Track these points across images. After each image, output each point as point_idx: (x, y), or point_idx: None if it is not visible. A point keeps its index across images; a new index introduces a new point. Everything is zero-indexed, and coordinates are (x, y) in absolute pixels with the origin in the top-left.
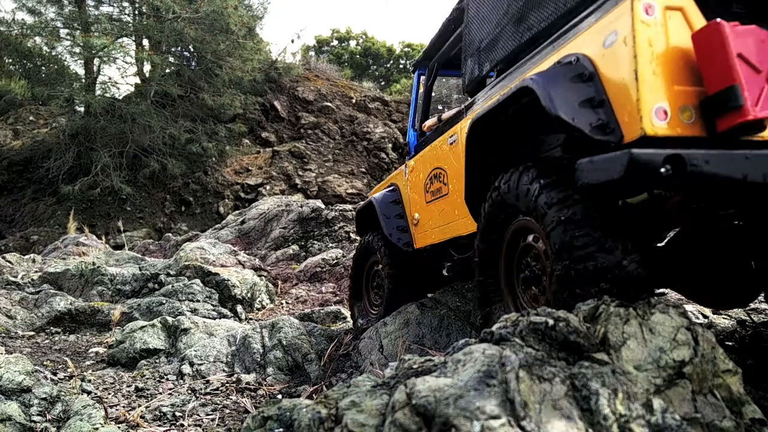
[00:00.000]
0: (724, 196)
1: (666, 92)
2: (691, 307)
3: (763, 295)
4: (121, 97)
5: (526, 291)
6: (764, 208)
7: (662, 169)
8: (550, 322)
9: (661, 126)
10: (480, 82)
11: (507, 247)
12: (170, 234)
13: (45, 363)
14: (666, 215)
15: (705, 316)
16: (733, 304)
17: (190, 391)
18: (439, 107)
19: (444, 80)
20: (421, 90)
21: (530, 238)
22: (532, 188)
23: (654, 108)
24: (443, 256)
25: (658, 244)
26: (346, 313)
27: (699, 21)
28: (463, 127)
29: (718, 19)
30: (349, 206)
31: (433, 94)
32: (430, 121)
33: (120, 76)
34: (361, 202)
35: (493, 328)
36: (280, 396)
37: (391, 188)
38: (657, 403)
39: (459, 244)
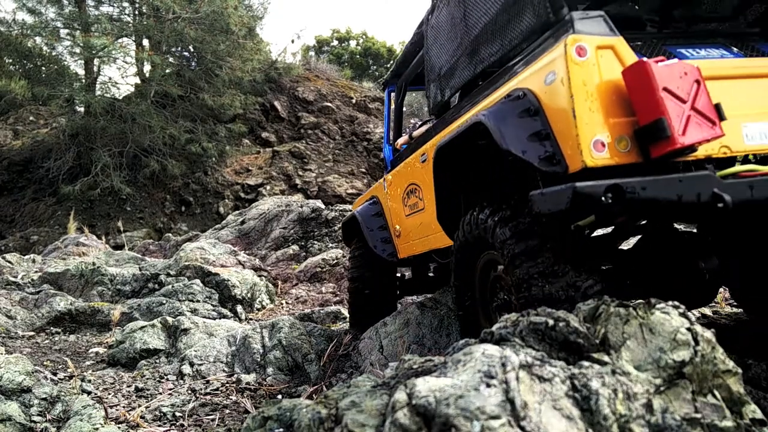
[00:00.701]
0: (664, 214)
1: (602, 126)
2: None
3: (729, 292)
4: (121, 97)
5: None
6: (704, 218)
7: (603, 198)
8: (550, 322)
9: (601, 157)
10: (444, 105)
11: (480, 278)
12: (170, 234)
13: (45, 363)
14: (620, 230)
15: (705, 316)
16: (694, 306)
17: (190, 391)
18: (412, 121)
19: (414, 94)
20: (393, 107)
21: (498, 269)
22: (489, 224)
23: (592, 141)
24: (428, 260)
25: (623, 248)
26: (347, 313)
27: (629, 56)
28: (432, 145)
29: (645, 59)
30: (349, 206)
31: (404, 109)
32: (402, 139)
33: (120, 76)
34: (346, 215)
35: (493, 328)
36: (280, 396)
37: (372, 201)
38: (657, 403)
39: (441, 250)
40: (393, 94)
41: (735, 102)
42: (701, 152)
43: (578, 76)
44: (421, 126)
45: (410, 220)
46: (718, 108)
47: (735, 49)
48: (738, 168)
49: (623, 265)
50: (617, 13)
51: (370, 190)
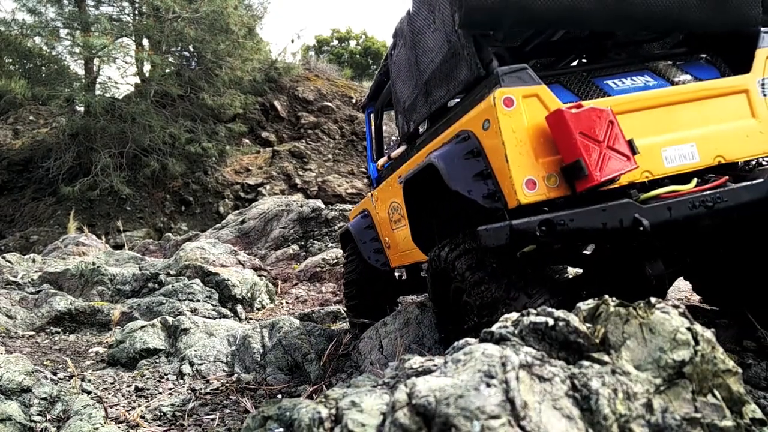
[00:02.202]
0: (595, 239)
1: (532, 167)
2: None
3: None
4: (121, 97)
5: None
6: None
7: (538, 232)
8: (551, 322)
9: (532, 194)
10: (412, 133)
11: (452, 302)
12: (170, 234)
13: (45, 363)
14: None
15: (705, 316)
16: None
17: (190, 391)
18: (393, 138)
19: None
20: (373, 127)
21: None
22: (450, 259)
23: (524, 181)
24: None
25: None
26: (346, 313)
27: (552, 101)
28: (405, 170)
29: (562, 107)
30: (349, 206)
31: (384, 126)
32: (382, 160)
33: (120, 76)
34: (344, 220)
35: (493, 328)
36: (280, 396)
37: (363, 214)
38: (657, 402)
39: None
40: (372, 116)
41: (654, 129)
42: (624, 180)
43: (507, 124)
44: (398, 147)
45: (396, 234)
46: (631, 143)
47: (659, 76)
48: (660, 190)
49: (587, 269)
50: (551, 47)
51: (361, 203)
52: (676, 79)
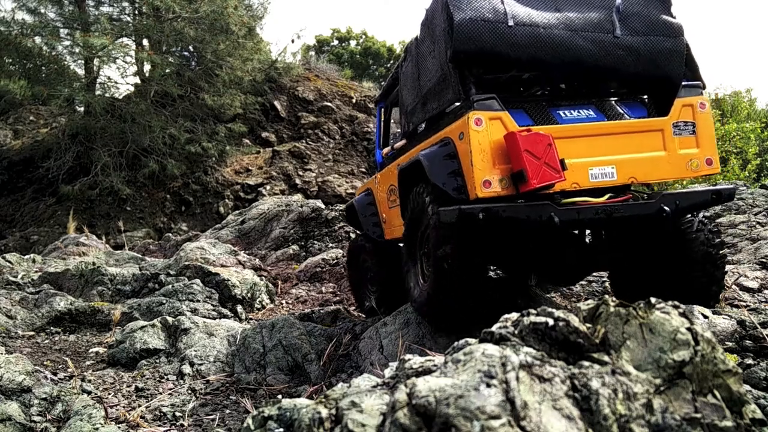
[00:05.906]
0: (523, 227)
1: (489, 171)
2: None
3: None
4: (121, 97)
5: (426, 265)
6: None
7: (480, 216)
8: (550, 322)
9: (487, 191)
10: (412, 132)
11: (419, 239)
12: (170, 234)
13: (45, 363)
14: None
15: (705, 317)
16: (566, 283)
17: (190, 391)
18: (397, 131)
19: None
20: (383, 119)
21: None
22: (427, 201)
23: (482, 181)
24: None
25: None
26: (347, 312)
27: (511, 124)
28: (402, 160)
29: (516, 130)
30: None
31: (392, 121)
32: (387, 149)
33: (120, 76)
34: (348, 202)
35: (493, 328)
36: (280, 396)
37: (367, 192)
38: (657, 403)
39: None
40: (382, 110)
41: (586, 152)
42: (558, 187)
43: (476, 138)
44: (401, 140)
45: (392, 212)
46: (562, 162)
47: (599, 111)
48: (577, 199)
49: (528, 251)
50: (522, 81)
51: (366, 183)
52: (611, 114)
